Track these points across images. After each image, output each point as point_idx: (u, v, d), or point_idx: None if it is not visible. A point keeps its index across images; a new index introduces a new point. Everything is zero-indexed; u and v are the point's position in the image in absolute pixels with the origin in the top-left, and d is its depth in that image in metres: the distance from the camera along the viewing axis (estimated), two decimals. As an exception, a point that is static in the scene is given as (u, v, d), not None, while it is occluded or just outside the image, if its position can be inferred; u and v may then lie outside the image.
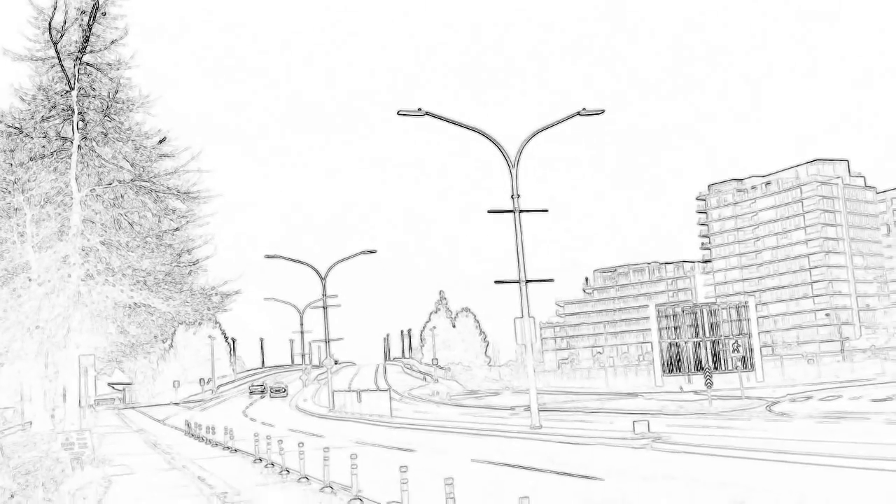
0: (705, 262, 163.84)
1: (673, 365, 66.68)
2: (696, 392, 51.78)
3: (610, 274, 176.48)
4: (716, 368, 64.99)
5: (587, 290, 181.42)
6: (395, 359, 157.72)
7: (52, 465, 20.85)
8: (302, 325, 65.79)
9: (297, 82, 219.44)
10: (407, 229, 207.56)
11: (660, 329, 72.48)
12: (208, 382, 78.33)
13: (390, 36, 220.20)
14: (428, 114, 28.63)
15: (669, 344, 67.37)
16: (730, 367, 62.76)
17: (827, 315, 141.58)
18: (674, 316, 69.26)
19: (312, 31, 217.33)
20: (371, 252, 52.98)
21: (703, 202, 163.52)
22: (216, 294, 34.03)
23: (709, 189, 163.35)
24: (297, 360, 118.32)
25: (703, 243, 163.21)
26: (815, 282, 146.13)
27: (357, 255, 52.52)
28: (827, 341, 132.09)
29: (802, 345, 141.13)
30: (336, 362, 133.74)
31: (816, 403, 35.81)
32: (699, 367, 65.90)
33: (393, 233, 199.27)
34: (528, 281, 28.50)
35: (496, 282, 29.15)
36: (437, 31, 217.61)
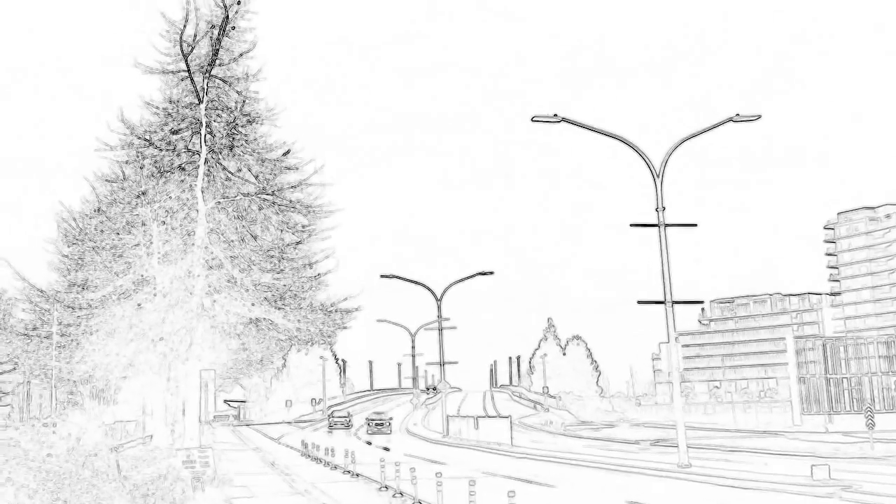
0: (834, 294, 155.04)
1: (812, 402, 61.97)
2: (843, 433, 47.58)
3: (728, 305, 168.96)
4: (858, 410, 59.96)
5: (703, 322, 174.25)
6: (501, 386, 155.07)
7: (172, 484, 19.90)
8: (413, 347, 64.62)
9: (410, 94, 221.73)
10: (516, 251, 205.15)
11: (798, 363, 67.73)
12: (319, 402, 78.31)
13: (510, 41, 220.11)
14: (565, 119, 26.72)
15: (807, 379, 62.70)
16: (877, 408, 57.75)
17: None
18: (811, 350, 64.52)
19: (421, 39, 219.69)
20: (488, 273, 51.29)
21: (831, 231, 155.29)
22: (336, 310, 32.97)
23: (838, 217, 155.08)
24: (405, 383, 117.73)
25: (831, 274, 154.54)
26: None
27: (474, 276, 50.90)
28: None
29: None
30: (435, 388, 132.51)
31: None
32: (838, 405, 61.16)
33: (501, 254, 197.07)
34: (675, 302, 26.03)
35: (639, 302, 26.80)
36: (562, 34, 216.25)
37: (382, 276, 48.50)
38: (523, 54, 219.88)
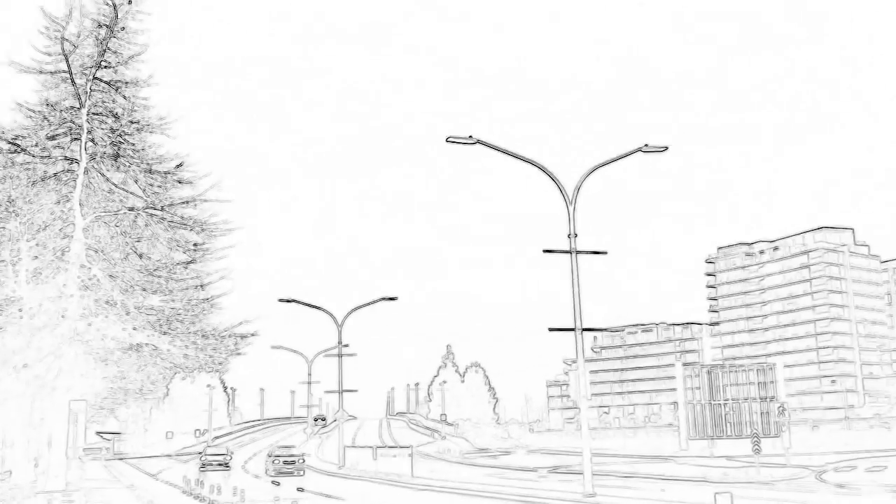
0: (713, 324, 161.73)
1: (696, 428, 63.13)
2: (727, 458, 48.42)
3: (618, 333, 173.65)
4: (736, 433, 61.55)
5: (595, 349, 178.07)
6: (398, 413, 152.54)
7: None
8: (310, 374, 62.07)
9: (317, 115, 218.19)
10: (421, 278, 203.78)
11: (685, 390, 69.14)
12: (204, 433, 74.17)
13: (420, 69, 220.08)
14: (479, 142, 25.78)
15: (692, 405, 63.86)
16: (749, 433, 59.28)
17: (833, 382, 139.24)
18: (696, 377, 65.90)
19: (333, 64, 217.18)
20: (392, 299, 49.79)
21: (712, 264, 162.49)
22: (230, 336, 30.58)
23: (718, 252, 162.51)
24: (300, 412, 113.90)
25: (711, 306, 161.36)
26: (820, 348, 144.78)
27: (377, 301, 49.24)
28: (831, 408, 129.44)
29: (806, 411, 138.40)
30: (324, 418, 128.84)
31: (864, 474, 32.81)
32: (719, 430, 62.55)
33: (406, 281, 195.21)
34: (584, 329, 25.33)
35: (550, 329, 25.95)
36: (473, 63, 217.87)
37: (280, 301, 46.16)
38: (439, 76, 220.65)
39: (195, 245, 31.05)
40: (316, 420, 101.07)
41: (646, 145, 27.49)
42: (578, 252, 25.86)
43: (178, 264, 30.13)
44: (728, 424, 62.81)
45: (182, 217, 30.85)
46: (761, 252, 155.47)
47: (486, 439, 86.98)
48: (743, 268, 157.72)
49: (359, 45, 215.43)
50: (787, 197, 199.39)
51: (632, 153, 27.38)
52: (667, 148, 27.70)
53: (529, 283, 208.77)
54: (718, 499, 19.19)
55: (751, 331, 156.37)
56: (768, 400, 59.04)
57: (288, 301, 46.90)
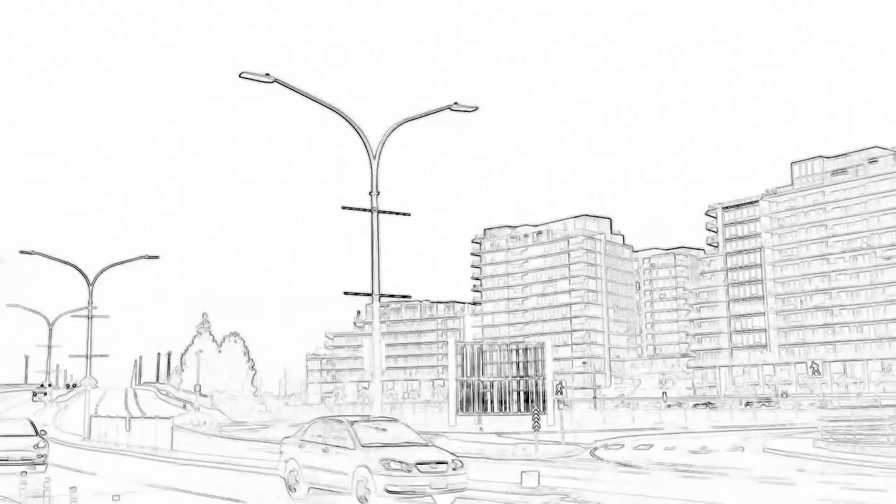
0: (475, 304, 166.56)
1: (464, 404, 64.33)
2: (497, 434, 49.34)
3: (383, 308, 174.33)
4: (503, 410, 63.41)
5: (358, 324, 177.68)
6: (146, 383, 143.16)
7: None
8: (50, 338, 55.79)
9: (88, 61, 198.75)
10: (174, 237, 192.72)
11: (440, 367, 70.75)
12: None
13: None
14: (277, 81, 23.49)
15: (462, 382, 65.01)
16: (523, 410, 61.35)
17: (584, 363, 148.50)
18: (462, 354, 67.17)
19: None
20: (153, 257, 45.55)
21: (477, 245, 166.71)
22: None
23: (484, 233, 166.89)
24: (36, 378, 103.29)
25: (474, 285, 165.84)
26: (574, 330, 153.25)
27: (137, 258, 44.79)
28: (581, 388, 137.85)
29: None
30: (76, 385, 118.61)
31: (634, 452, 34.43)
32: (487, 407, 64.07)
33: (170, 242, 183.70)
34: (382, 295, 23.94)
35: (345, 293, 24.13)
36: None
37: (22, 252, 40.55)
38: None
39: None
40: (41, 386, 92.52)
41: (455, 103, 26.51)
42: (381, 212, 24.39)
43: None
44: (494, 402, 64.15)
45: None
46: (525, 236, 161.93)
47: (243, 412, 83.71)
48: (507, 250, 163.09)
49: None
50: (551, 182, 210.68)
51: (441, 110, 26.31)
52: (476, 108, 26.88)
53: (297, 251, 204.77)
54: (525, 478, 18.62)
55: (511, 311, 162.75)
56: (535, 378, 61.13)
57: (31, 253, 41.55)
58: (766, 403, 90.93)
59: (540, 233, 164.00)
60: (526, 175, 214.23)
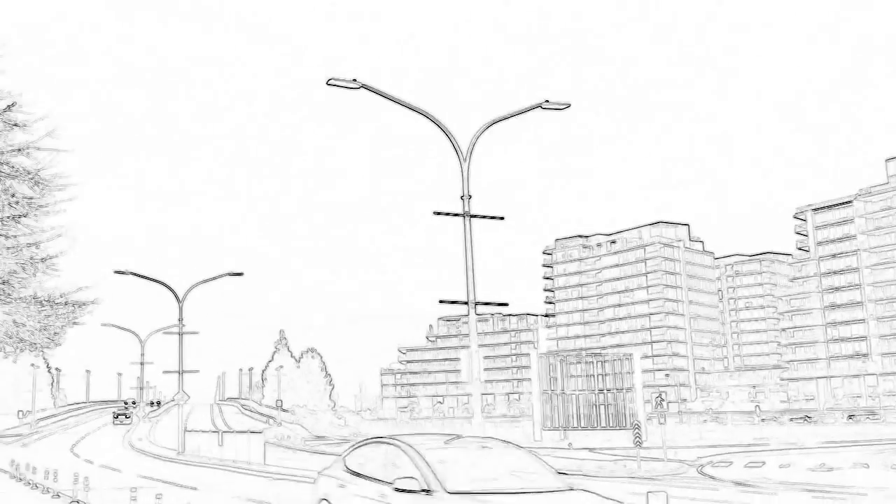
0: (548, 315, 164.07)
1: (548, 419, 63.14)
2: (589, 450, 48.05)
3: (454, 322, 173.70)
4: (589, 425, 61.69)
5: (430, 338, 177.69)
6: (229, 398, 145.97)
7: None
8: (143, 355, 57.37)
9: (177, 77, 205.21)
10: (254, 259, 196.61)
11: (519, 381, 69.60)
12: (27, 414, 68.03)
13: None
14: (365, 86, 23.52)
15: (546, 395, 63.89)
16: (611, 425, 59.78)
17: (667, 375, 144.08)
18: (549, 367, 65.88)
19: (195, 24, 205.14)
20: (237, 274, 46.42)
21: (549, 256, 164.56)
22: (66, 303, 26.61)
23: (555, 244, 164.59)
24: (129, 394, 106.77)
25: (547, 297, 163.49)
26: (654, 342, 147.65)
27: (222, 276, 45.71)
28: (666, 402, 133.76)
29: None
30: (160, 403, 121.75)
31: (744, 469, 32.87)
32: (570, 421, 62.73)
33: (249, 261, 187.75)
34: (478, 303, 23.65)
35: (441, 301, 23.99)
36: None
37: (116, 273, 41.71)
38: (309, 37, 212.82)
39: (28, 199, 26.95)
40: (126, 405, 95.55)
41: (546, 101, 26.03)
42: (473, 216, 24.12)
43: (8, 217, 25.93)
44: (581, 416, 62.37)
45: (12, 166, 26.67)
46: (598, 245, 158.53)
47: (323, 426, 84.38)
48: (580, 260, 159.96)
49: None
50: (625, 191, 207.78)
51: (531, 108, 25.95)
52: (569, 105, 26.29)
53: (367, 268, 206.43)
54: (651, 497, 17.92)
55: (586, 323, 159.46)
56: (624, 391, 59.27)
57: (125, 273, 42.72)
58: (872, 416, 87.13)
59: (614, 241, 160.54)
60: (595, 181, 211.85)
